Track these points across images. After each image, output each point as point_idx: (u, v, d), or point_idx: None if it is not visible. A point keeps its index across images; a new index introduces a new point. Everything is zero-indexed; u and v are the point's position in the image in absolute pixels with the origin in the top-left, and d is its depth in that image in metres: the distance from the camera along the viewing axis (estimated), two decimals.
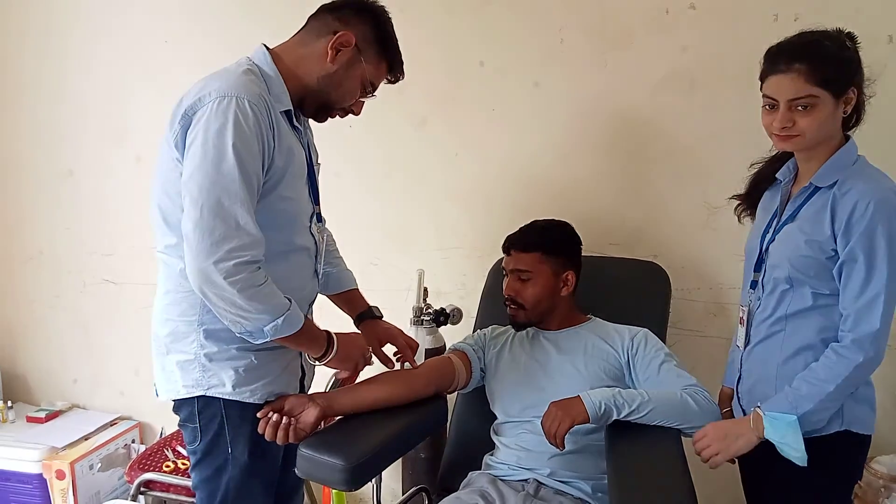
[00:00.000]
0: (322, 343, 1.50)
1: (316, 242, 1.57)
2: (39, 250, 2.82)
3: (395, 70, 1.57)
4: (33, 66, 2.71)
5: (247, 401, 1.49)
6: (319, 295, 1.69)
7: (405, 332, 1.79)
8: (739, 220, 1.70)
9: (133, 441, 2.72)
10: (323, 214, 1.66)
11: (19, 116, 2.76)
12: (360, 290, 1.83)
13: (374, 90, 1.55)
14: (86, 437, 2.60)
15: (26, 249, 2.83)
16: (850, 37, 1.41)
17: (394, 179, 2.37)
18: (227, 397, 1.48)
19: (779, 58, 1.40)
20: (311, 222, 1.54)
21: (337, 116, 1.55)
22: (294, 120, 1.48)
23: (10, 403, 2.71)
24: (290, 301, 1.40)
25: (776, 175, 1.55)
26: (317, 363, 1.54)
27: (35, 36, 2.68)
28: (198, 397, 1.48)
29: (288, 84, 1.45)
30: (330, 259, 1.77)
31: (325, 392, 1.60)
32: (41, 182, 2.77)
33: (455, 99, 2.29)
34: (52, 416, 2.72)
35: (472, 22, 2.23)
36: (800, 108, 1.37)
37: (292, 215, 1.48)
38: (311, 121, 1.60)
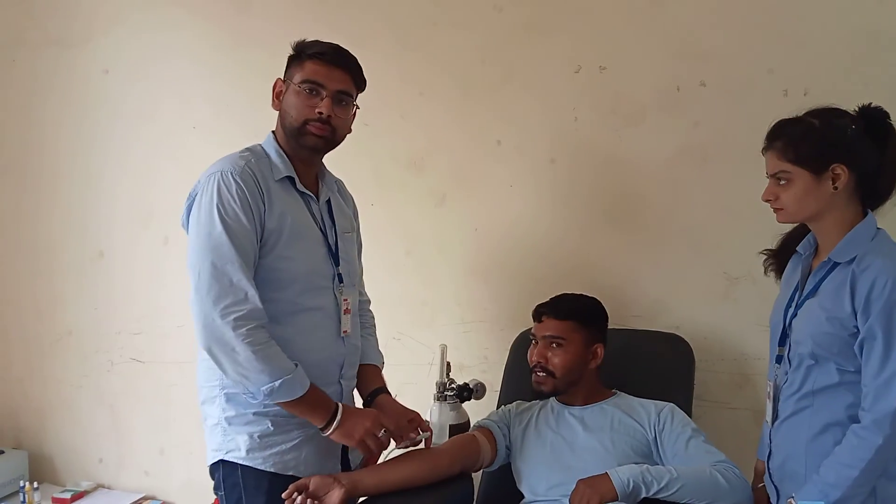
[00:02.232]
0: (323, 413, 1.51)
1: (338, 303, 1.61)
2: (68, 331, 2.86)
3: (311, 53, 1.59)
4: (68, 152, 2.80)
5: (259, 468, 1.51)
6: None
7: (419, 416, 1.78)
8: (766, 273, 1.70)
9: None
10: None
11: (54, 202, 2.84)
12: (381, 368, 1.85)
13: (319, 86, 1.57)
14: None
15: (56, 330, 2.88)
16: (838, 115, 1.44)
17: (415, 255, 2.40)
18: (242, 462, 1.51)
19: (767, 135, 1.49)
20: (332, 283, 1.62)
21: (313, 130, 1.58)
22: (297, 185, 1.61)
23: (35, 484, 2.70)
24: (296, 366, 1.46)
25: (797, 248, 1.56)
26: (321, 433, 1.55)
27: (70, 124, 2.78)
28: (221, 462, 1.53)
29: (285, 149, 1.62)
30: (366, 331, 1.82)
31: (350, 472, 1.60)
32: (72, 263, 2.83)
33: (474, 176, 2.33)
34: (78, 496, 2.72)
35: (489, 102, 2.29)
36: (781, 182, 1.44)
37: (295, 275, 1.56)
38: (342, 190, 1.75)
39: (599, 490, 1.49)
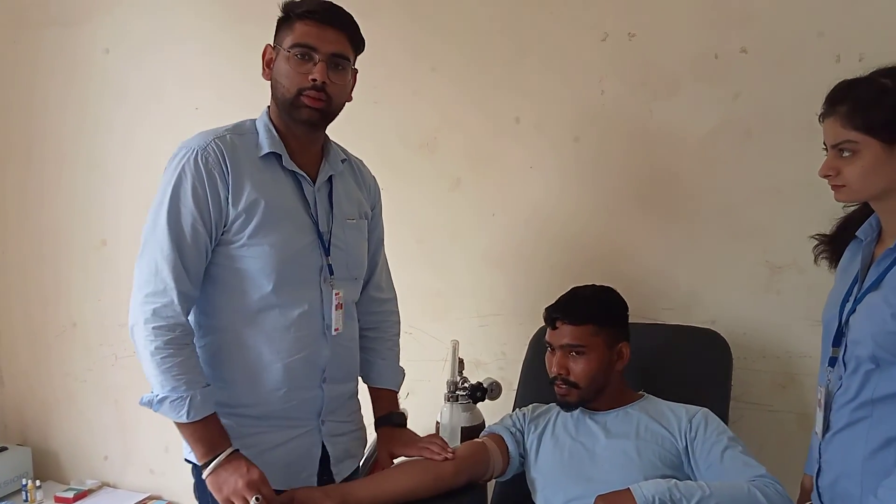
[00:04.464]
0: (204, 451, 1.37)
1: (323, 298, 1.48)
2: (73, 322, 2.79)
3: (300, 13, 1.44)
4: (72, 135, 2.73)
5: None
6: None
7: (427, 437, 1.65)
8: (816, 261, 1.51)
9: None
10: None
11: (58, 187, 2.77)
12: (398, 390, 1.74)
13: (311, 49, 1.42)
14: None
15: (60, 321, 2.81)
16: None
17: (427, 243, 2.27)
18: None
19: (827, 100, 1.30)
20: (318, 276, 1.49)
21: (307, 102, 1.43)
22: (283, 163, 1.47)
23: (38, 483, 2.65)
24: (205, 386, 1.36)
25: (857, 233, 1.37)
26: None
27: (73, 107, 2.71)
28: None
29: (277, 124, 1.49)
30: (383, 345, 1.71)
31: (341, 484, 1.45)
32: (75, 252, 2.76)
33: (490, 157, 2.20)
34: (81, 496, 2.65)
35: (507, 77, 2.15)
36: (844, 154, 1.26)
37: (267, 266, 1.43)
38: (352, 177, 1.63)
39: None
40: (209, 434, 1.37)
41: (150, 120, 2.60)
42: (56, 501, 2.62)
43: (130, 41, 2.60)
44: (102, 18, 2.62)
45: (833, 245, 1.46)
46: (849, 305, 1.32)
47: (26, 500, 2.61)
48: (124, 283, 2.61)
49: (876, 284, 1.27)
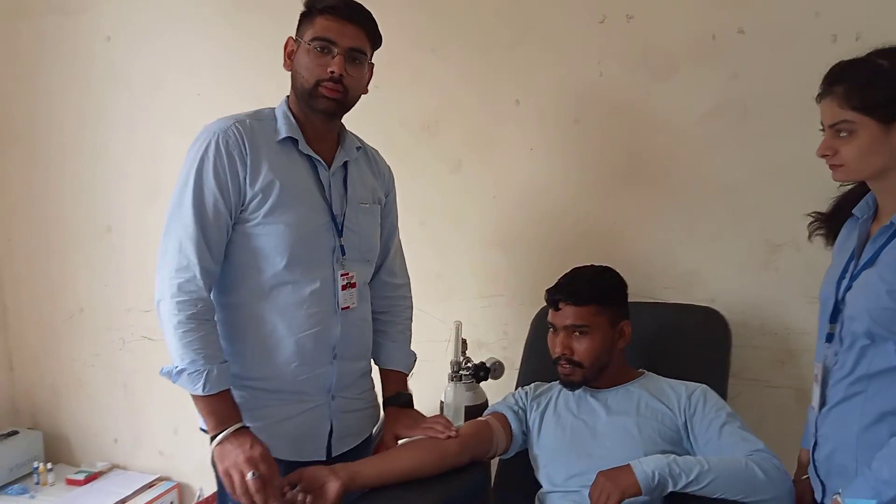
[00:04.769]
0: (215, 423, 1.42)
1: (335, 277, 1.53)
2: (80, 308, 2.82)
3: (322, 8, 1.49)
4: (74, 126, 2.74)
5: None
6: None
7: (431, 417, 1.69)
8: (810, 238, 1.53)
9: (172, 503, 2.66)
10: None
11: (62, 175, 2.79)
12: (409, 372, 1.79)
13: (331, 43, 1.48)
14: (124, 501, 2.56)
15: (68, 307, 2.84)
16: None
17: (429, 226, 2.29)
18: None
19: (824, 80, 1.32)
20: (330, 256, 1.54)
21: (325, 92, 1.49)
22: (299, 147, 1.53)
23: (49, 465, 2.70)
24: (211, 365, 1.40)
25: (853, 211, 1.39)
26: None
27: (76, 97, 2.72)
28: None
29: (296, 112, 1.55)
30: (394, 328, 1.76)
31: (348, 463, 1.49)
32: (81, 239, 2.78)
33: (491, 140, 2.21)
34: (92, 477, 2.69)
35: (507, 60, 2.16)
36: (841, 134, 1.27)
37: (281, 244, 1.49)
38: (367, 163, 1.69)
39: (621, 485, 1.36)
40: (222, 408, 1.43)
41: (153, 106, 2.61)
42: (68, 483, 2.66)
43: (131, 29, 2.60)
44: (103, 6, 2.62)
45: (829, 223, 1.48)
46: (845, 282, 1.34)
47: (38, 483, 2.66)
48: (130, 268, 2.69)
49: (871, 261, 1.29)
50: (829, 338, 1.38)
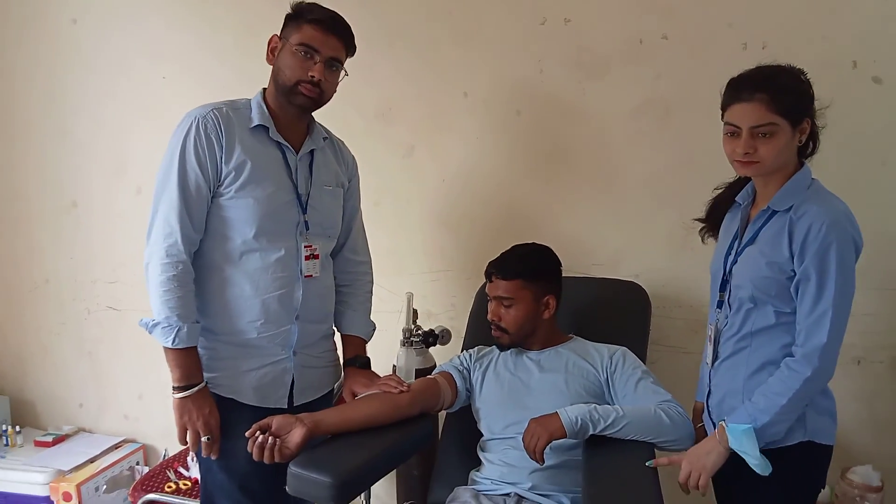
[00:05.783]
0: (180, 377, 1.62)
1: (298, 248, 1.71)
2: (45, 279, 2.90)
3: (310, 18, 1.66)
4: (40, 105, 2.80)
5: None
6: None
7: (385, 376, 1.86)
8: (703, 241, 1.77)
9: (137, 463, 2.79)
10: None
11: (26, 152, 2.85)
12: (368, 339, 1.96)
13: (314, 50, 1.65)
14: (91, 460, 2.67)
15: (33, 278, 2.91)
16: (802, 72, 1.49)
17: (384, 206, 2.44)
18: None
19: (742, 87, 1.46)
20: (294, 229, 1.72)
21: (304, 91, 1.66)
22: (270, 135, 1.70)
23: (18, 428, 2.78)
24: (183, 323, 1.58)
25: (736, 199, 1.62)
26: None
27: (42, 77, 2.78)
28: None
29: (271, 102, 1.72)
30: (355, 299, 1.94)
31: (312, 412, 1.67)
32: (46, 214, 2.85)
33: (441, 128, 2.37)
34: (59, 439, 2.79)
35: (457, 55, 2.32)
36: (761, 135, 1.44)
37: (250, 216, 1.65)
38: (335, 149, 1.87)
39: (549, 428, 1.57)
40: (187, 363, 1.62)
41: (119, 88, 2.68)
42: (36, 445, 2.76)
43: (97, 11, 2.67)
44: None
45: (709, 222, 1.72)
46: (731, 257, 1.57)
47: (7, 445, 2.74)
48: (96, 242, 2.80)
49: (753, 239, 1.53)
50: (720, 304, 1.61)
